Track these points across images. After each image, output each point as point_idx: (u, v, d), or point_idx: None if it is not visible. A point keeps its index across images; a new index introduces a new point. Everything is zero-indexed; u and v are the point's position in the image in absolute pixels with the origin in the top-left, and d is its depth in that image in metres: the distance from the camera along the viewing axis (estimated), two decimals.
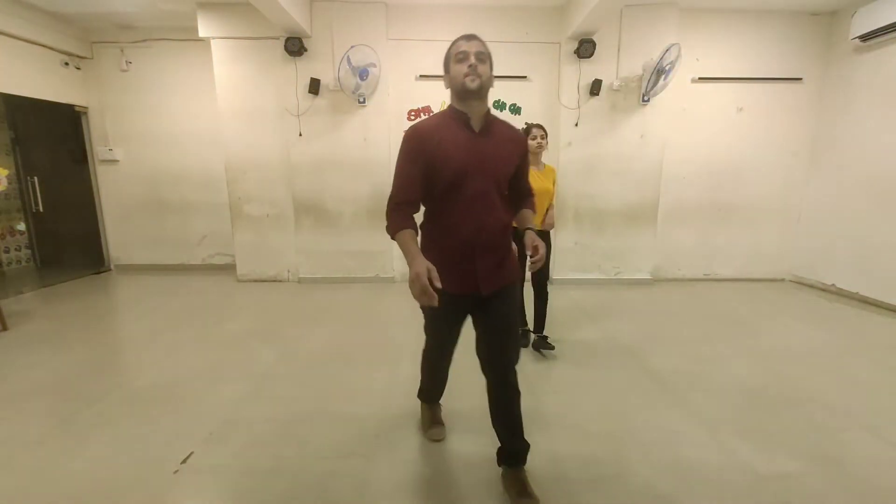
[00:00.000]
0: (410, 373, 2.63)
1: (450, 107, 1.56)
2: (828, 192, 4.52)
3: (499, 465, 1.68)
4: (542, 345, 2.90)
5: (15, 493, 1.65)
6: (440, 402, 2.07)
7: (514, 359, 1.61)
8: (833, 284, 4.43)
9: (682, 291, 4.52)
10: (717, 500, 1.61)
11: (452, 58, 1.48)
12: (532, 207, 1.76)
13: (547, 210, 2.94)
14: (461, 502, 1.61)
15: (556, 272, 4.80)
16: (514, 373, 1.60)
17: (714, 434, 2.01)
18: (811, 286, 4.67)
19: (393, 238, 1.51)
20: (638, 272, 4.81)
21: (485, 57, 1.46)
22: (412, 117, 4.61)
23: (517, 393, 1.60)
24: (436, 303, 1.31)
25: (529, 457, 1.65)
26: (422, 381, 2.00)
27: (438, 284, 1.32)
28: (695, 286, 4.74)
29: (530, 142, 2.79)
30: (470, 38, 1.47)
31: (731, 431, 2.03)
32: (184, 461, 1.81)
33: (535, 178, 2.82)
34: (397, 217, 1.51)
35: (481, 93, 1.47)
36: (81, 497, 1.63)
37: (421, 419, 2.07)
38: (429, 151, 1.47)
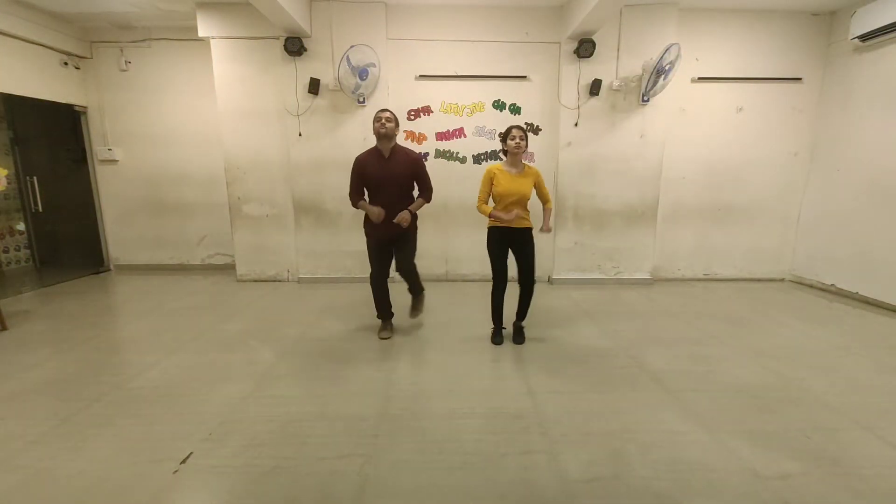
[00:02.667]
0: (410, 373, 2.64)
1: (375, 145, 2.95)
2: (827, 192, 4.52)
3: (411, 294, 3.30)
4: (517, 335, 3.13)
5: (15, 493, 1.65)
6: (391, 320, 3.30)
7: (410, 265, 3.12)
8: (833, 284, 4.43)
9: (681, 291, 4.52)
10: (717, 500, 1.61)
11: (374, 119, 2.87)
12: (426, 198, 3.05)
13: (544, 213, 2.97)
14: (460, 501, 1.61)
15: (555, 272, 4.80)
16: (412, 268, 3.14)
17: (714, 434, 2.01)
18: (811, 286, 4.68)
19: (356, 207, 2.99)
20: (638, 272, 4.81)
21: (391, 119, 2.87)
22: (412, 117, 4.61)
23: (414, 274, 3.18)
24: (381, 218, 2.89)
25: (531, 457, 1.84)
26: (375, 303, 3.21)
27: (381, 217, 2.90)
28: (695, 286, 4.74)
29: (509, 142, 2.79)
30: (383, 109, 2.90)
31: (731, 431, 2.03)
32: (184, 461, 1.81)
33: (508, 182, 2.82)
34: (354, 199, 2.99)
35: (388, 137, 2.86)
36: (81, 497, 1.63)
37: (379, 329, 3.27)
38: (362, 169, 2.94)
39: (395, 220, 2.87)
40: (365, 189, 3.01)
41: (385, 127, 2.83)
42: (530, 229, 2.94)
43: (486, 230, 2.96)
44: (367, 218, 3.00)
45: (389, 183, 2.93)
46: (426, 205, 3.08)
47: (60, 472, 1.75)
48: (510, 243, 2.93)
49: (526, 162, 2.97)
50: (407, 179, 3.00)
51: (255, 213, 4.77)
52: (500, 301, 3.05)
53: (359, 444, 1.92)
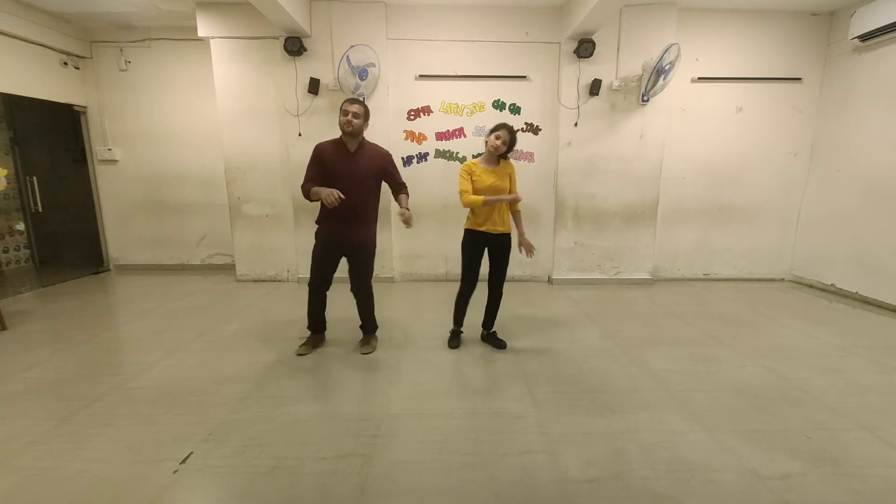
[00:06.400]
0: (411, 373, 2.63)
1: (340, 136, 2.60)
2: (827, 192, 4.52)
3: (362, 332, 3.02)
4: (493, 341, 3.03)
5: (15, 493, 1.65)
6: (323, 335, 3.05)
7: (365, 285, 2.87)
8: (833, 284, 4.43)
9: (681, 291, 4.52)
10: (717, 500, 1.61)
11: (341, 111, 2.52)
12: (405, 192, 2.77)
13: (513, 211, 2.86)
14: (460, 501, 1.61)
15: (555, 272, 4.80)
16: (365, 289, 2.88)
17: (714, 434, 2.01)
18: (811, 286, 4.68)
19: (309, 195, 2.55)
20: (637, 272, 4.81)
21: (359, 115, 2.51)
22: (412, 117, 4.61)
23: (368, 300, 2.92)
24: (336, 201, 2.41)
25: (531, 457, 1.84)
26: (307, 313, 2.92)
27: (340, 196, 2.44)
28: (694, 286, 4.74)
29: (492, 139, 2.66)
30: (352, 101, 2.52)
31: (731, 431, 2.03)
32: (184, 461, 1.81)
33: (486, 178, 2.70)
34: (306, 187, 2.58)
35: (353, 134, 2.54)
36: (81, 497, 1.62)
37: (304, 343, 2.94)
38: (321, 159, 2.58)
39: (401, 219, 2.60)
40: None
41: (351, 124, 2.48)
42: (509, 235, 2.82)
43: (463, 231, 2.83)
44: (320, 215, 2.68)
45: (351, 181, 2.54)
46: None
47: (60, 472, 1.75)
48: (488, 248, 2.82)
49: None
50: (372, 179, 2.67)
51: (254, 213, 4.77)
52: (465, 303, 2.95)
53: (359, 444, 1.92)
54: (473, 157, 4.50)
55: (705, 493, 1.64)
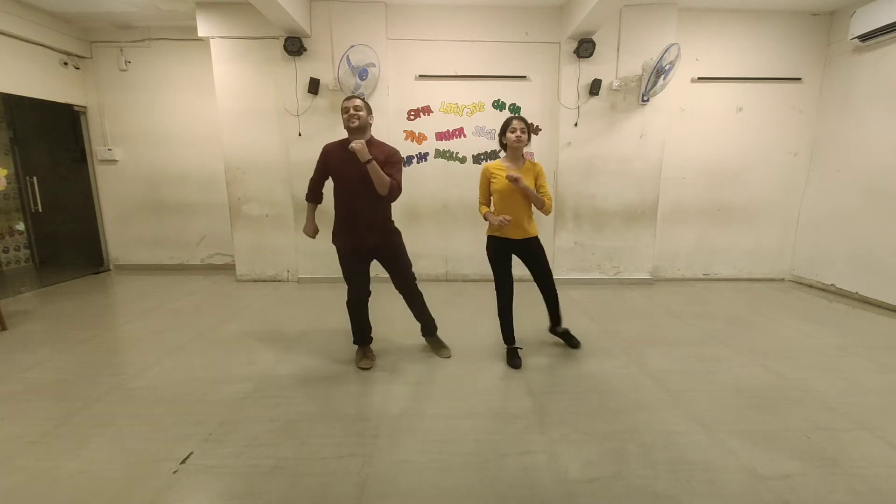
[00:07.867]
0: (411, 372, 2.63)
1: (348, 136, 2.51)
2: (827, 192, 4.52)
3: (423, 335, 2.94)
4: (567, 339, 2.98)
5: (15, 493, 1.65)
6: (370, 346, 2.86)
7: (410, 283, 2.74)
8: (833, 284, 4.43)
9: (681, 291, 4.52)
10: (717, 500, 1.61)
11: (342, 110, 2.45)
12: (393, 184, 2.44)
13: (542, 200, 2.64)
14: (460, 501, 1.61)
15: (555, 272, 4.77)
16: (410, 282, 2.74)
17: (714, 434, 2.01)
18: (811, 286, 4.68)
19: (307, 201, 2.70)
20: (637, 272, 4.81)
21: (361, 108, 2.42)
22: (412, 117, 4.61)
23: (419, 294, 2.80)
24: (313, 237, 2.73)
25: (531, 458, 1.83)
26: (352, 328, 2.78)
27: (314, 237, 2.75)
28: (694, 286, 4.74)
29: (509, 135, 2.53)
30: (350, 97, 2.45)
31: (731, 431, 2.03)
32: (184, 461, 1.81)
33: (505, 178, 2.51)
34: (311, 195, 2.69)
35: (360, 129, 2.44)
36: (81, 497, 1.62)
37: (355, 357, 2.79)
38: (328, 161, 2.54)
39: (349, 146, 2.31)
40: (331, 187, 2.58)
41: (356, 118, 2.39)
42: (537, 238, 2.71)
43: (486, 237, 2.73)
44: (335, 226, 2.61)
45: (356, 181, 2.43)
46: (392, 197, 2.51)
47: (60, 472, 1.75)
48: (518, 254, 2.72)
49: (528, 158, 2.71)
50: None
51: (255, 213, 4.77)
52: (509, 316, 2.74)
53: (359, 444, 1.92)
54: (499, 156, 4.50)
55: (705, 493, 1.64)
